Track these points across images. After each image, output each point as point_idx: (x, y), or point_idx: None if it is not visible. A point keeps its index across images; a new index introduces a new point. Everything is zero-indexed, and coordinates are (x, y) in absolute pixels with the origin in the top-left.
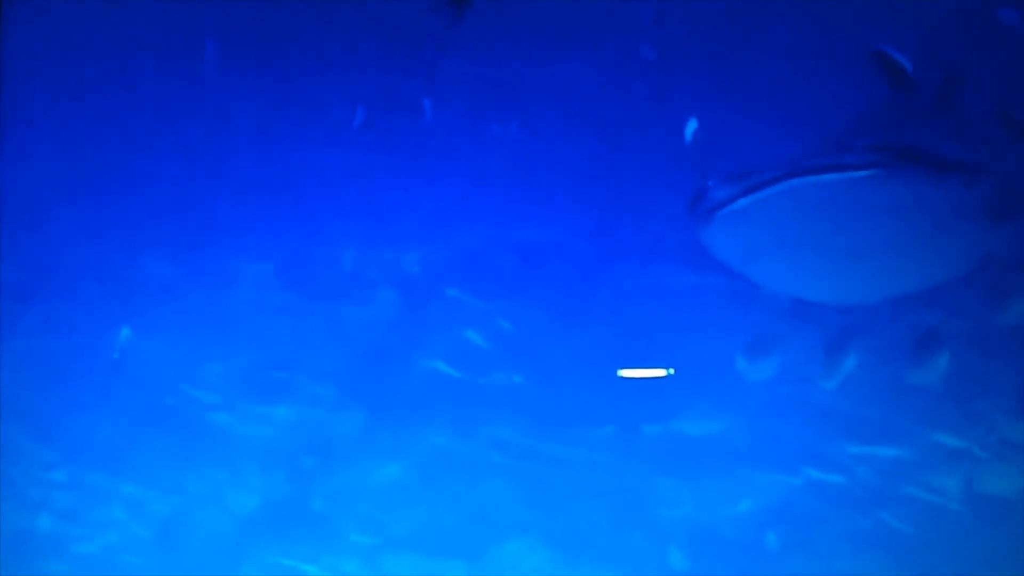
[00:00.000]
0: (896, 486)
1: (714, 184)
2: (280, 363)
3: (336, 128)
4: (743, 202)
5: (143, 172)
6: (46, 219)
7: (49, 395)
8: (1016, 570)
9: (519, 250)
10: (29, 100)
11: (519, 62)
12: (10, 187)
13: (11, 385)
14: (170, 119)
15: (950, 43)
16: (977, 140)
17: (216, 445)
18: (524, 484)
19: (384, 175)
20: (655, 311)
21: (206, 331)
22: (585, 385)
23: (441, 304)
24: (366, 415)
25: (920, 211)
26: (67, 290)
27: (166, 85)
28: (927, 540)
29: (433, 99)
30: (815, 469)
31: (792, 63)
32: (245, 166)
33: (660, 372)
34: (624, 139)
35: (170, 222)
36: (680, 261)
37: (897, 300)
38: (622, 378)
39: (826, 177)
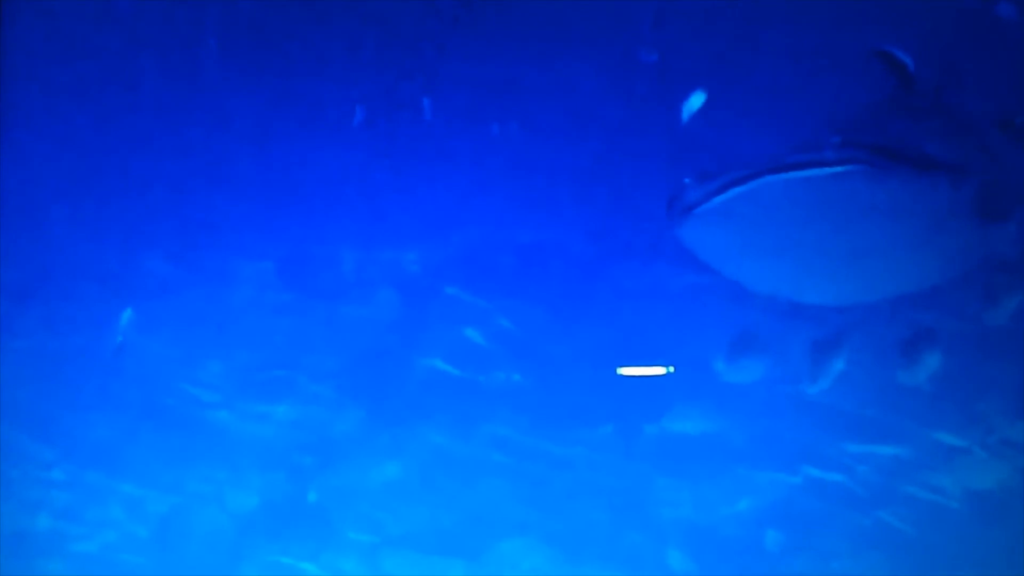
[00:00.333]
0: (896, 485)
1: (690, 182)
2: (280, 362)
3: (335, 128)
4: (718, 200)
5: (143, 172)
6: (46, 219)
7: (48, 395)
8: (1015, 569)
9: (519, 250)
10: (29, 100)
11: (519, 62)
12: (10, 187)
13: (11, 385)
14: (170, 119)
15: (948, 40)
16: (968, 139)
17: (215, 444)
18: (523, 483)
19: (384, 175)
20: (655, 311)
21: (206, 330)
22: (585, 384)
23: (441, 303)
24: (365, 414)
25: (902, 210)
26: (67, 290)
27: (166, 85)
28: (926, 539)
29: (433, 99)
30: (815, 468)
31: (792, 63)
32: (245, 166)
33: (659, 371)
34: (624, 139)
35: (170, 222)
36: (680, 261)
37: (893, 300)
38: (622, 377)
39: (800, 174)
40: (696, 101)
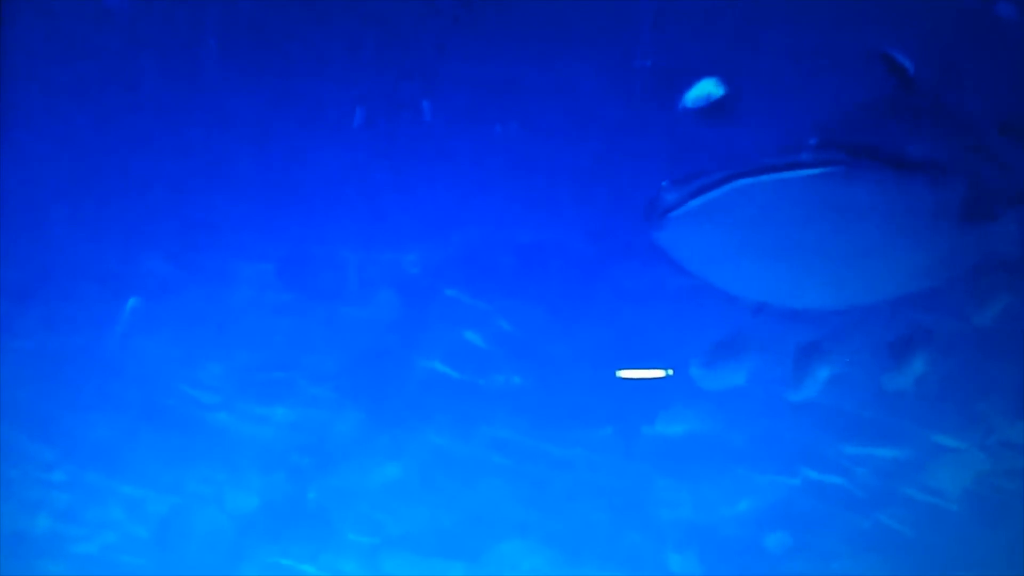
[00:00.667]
0: (894, 487)
1: (666, 185)
2: (279, 363)
3: (335, 128)
4: (694, 204)
5: (143, 172)
6: (46, 219)
7: (48, 395)
8: (1014, 571)
9: (519, 250)
10: (29, 100)
11: (519, 62)
12: (10, 187)
13: (10, 385)
14: (170, 119)
15: (947, 40)
16: (959, 139)
17: (215, 445)
18: (523, 484)
19: (384, 175)
20: (655, 311)
21: (205, 331)
22: (585, 386)
23: (440, 304)
24: (365, 415)
25: (883, 212)
26: (67, 290)
27: (166, 85)
28: (925, 541)
29: (432, 99)
30: (813, 470)
31: (792, 63)
32: (245, 166)
33: (659, 373)
34: (624, 139)
35: (170, 222)
36: None
37: (891, 302)
38: (622, 379)
39: (776, 176)
40: (708, 88)
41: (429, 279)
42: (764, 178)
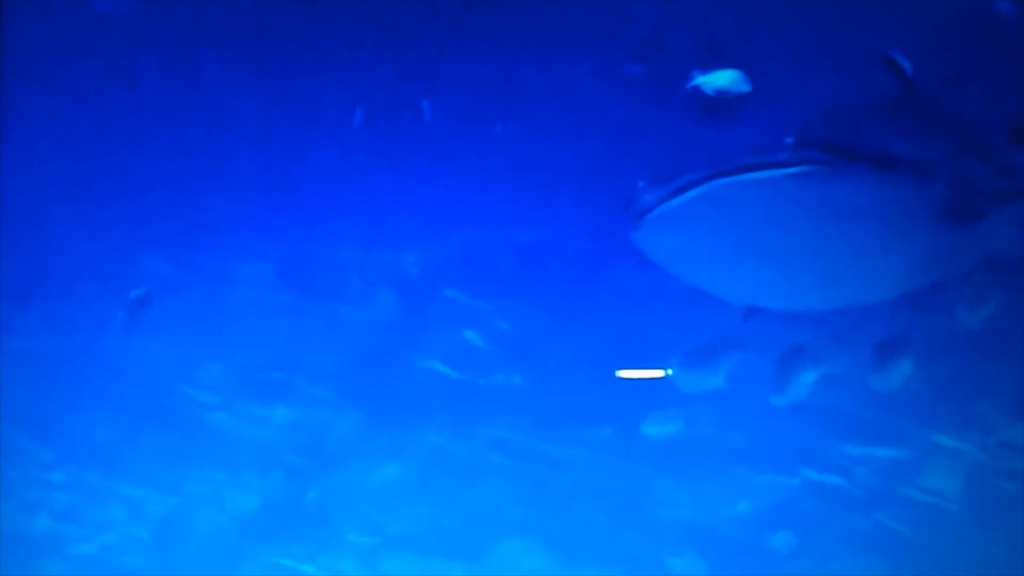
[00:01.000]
0: (894, 487)
1: (644, 185)
2: (279, 364)
3: (335, 128)
4: (670, 205)
5: (143, 172)
6: (46, 219)
7: (48, 395)
8: (1014, 571)
9: (519, 250)
10: (29, 100)
11: (519, 62)
12: (10, 187)
13: (10, 385)
14: (170, 119)
15: (947, 39)
16: (950, 138)
17: (215, 445)
18: (523, 485)
19: (384, 175)
20: (655, 311)
21: (205, 331)
22: (584, 386)
23: (440, 305)
24: (365, 415)
25: (864, 211)
26: (67, 290)
27: (166, 85)
28: (925, 541)
29: (433, 99)
30: (813, 470)
31: (792, 63)
32: (244, 166)
33: (659, 373)
34: (624, 139)
35: (169, 222)
36: None
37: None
38: (621, 379)
39: (752, 176)
40: (731, 80)
41: (429, 279)
42: (740, 178)
